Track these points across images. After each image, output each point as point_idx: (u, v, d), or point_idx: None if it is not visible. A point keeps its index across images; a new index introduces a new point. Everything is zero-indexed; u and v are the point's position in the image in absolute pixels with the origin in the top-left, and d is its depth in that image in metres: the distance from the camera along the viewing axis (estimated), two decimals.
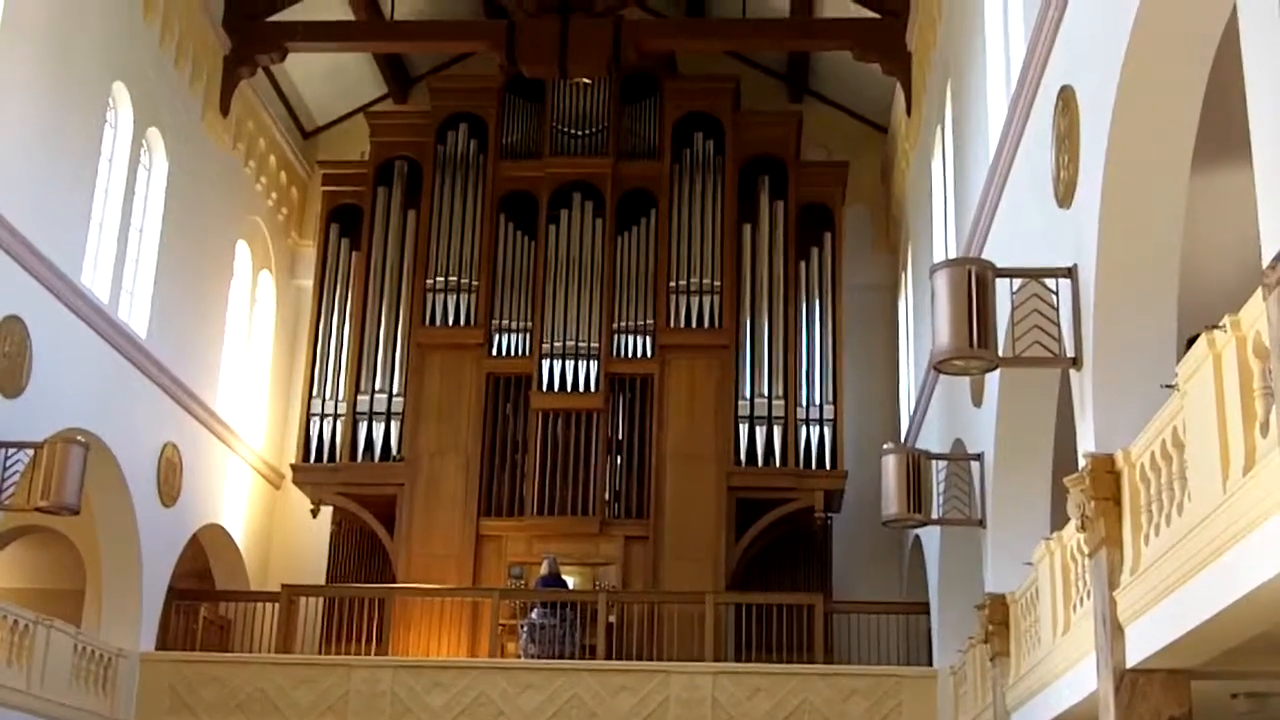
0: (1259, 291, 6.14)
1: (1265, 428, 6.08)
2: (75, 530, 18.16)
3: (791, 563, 21.13)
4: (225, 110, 20.47)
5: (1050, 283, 9.60)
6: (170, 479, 18.66)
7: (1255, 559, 6.19)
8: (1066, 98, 9.72)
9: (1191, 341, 8.98)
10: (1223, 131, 8.90)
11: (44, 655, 15.45)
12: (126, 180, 17.92)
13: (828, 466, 20.46)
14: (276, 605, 19.25)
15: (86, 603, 18.21)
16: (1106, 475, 8.49)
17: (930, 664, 17.77)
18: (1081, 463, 8.81)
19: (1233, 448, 6.44)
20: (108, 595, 17.86)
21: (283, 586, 19.56)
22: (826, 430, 20.61)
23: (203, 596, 20.48)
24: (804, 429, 20.63)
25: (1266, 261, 5.55)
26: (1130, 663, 8.35)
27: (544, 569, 19.27)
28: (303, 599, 19.76)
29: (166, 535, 18.71)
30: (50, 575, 20.25)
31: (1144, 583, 7.96)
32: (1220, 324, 6.50)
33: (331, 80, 23.49)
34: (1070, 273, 9.48)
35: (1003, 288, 9.76)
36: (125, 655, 17.62)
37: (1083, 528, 8.87)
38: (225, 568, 21.45)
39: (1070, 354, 9.39)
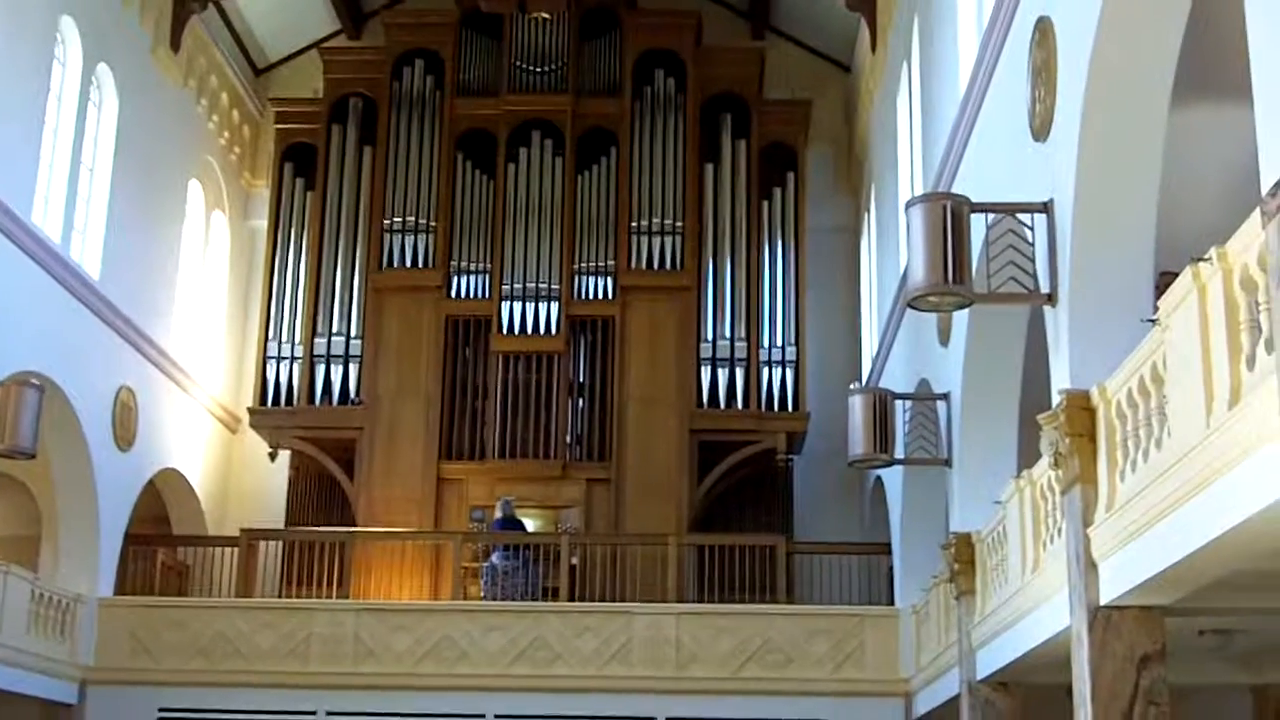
0: (1246, 223, 6.03)
1: (1252, 361, 5.99)
2: (30, 475, 17.86)
3: (754, 504, 21.12)
4: (176, 46, 20.04)
5: (1025, 218, 9.50)
6: (125, 422, 18.37)
7: (1240, 493, 6.11)
8: (1044, 29, 9.59)
9: (1164, 278, 8.93)
10: (1202, 66, 8.80)
11: (1, 601, 15.30)
12: (77, 118, 17.53)
13: (790, 408, 20.40)
14: (236, 550, 19.04)
15: (43, 548, 17.94)
16: (1081, 411, 8.42)
17: (892, 603, 17.80)
18: (1056, 399, 8.72)
19: (1217, 382, 6.35)
20: (64, 540, 17.64)
21: (241, 531, 19.31)
22: (789, 372, 20.53)
23: (160, 541, 20.21)
24: (766, 371, 20.54)
25: (1266, 189, 5.43)
26: (1104, 600, 8.30)
27: (498, 511, 19.12)
28: (262, 543, 19.55)
29: (123, 480, 18.45)
30: (5, 521, 19.93)
31: (1119, 520, 7.90)
32: (1206, 256, 6.40)
33: (283, 15, 22.98)
34: (1046, 207, 9.38)
35: (976, 224, 9.64)
36: (84, 601, 17.43)
37: (1056, 465, 8.81)
38: (183, 512, 21.20)
39: (1046, 290, 9.29)
